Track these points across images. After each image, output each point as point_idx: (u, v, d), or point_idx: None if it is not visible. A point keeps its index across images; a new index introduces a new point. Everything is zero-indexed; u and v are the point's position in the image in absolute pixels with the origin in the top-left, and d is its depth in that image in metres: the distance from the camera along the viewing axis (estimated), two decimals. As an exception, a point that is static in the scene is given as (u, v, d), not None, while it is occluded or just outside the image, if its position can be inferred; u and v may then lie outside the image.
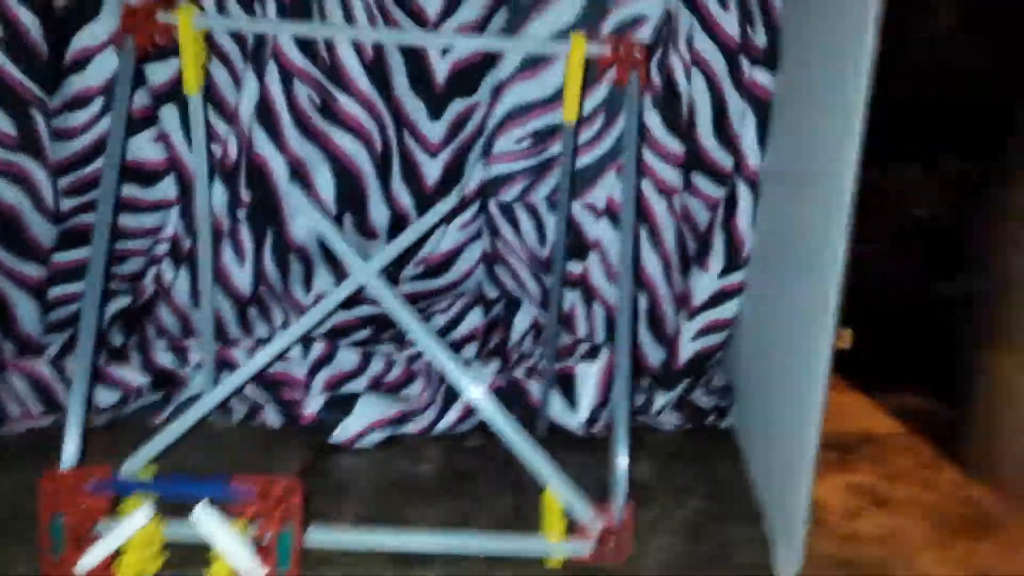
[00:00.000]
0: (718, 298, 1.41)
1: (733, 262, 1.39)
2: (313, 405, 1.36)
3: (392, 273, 1.46)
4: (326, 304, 1.09)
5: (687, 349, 1.43)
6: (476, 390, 1.03)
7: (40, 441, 1.29)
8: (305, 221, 1.36)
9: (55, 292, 1.40)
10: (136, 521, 0.89)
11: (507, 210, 1.46)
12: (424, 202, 1.44)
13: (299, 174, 1.40)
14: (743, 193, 1.36)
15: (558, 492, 1.00)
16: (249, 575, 0.89)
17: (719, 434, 1.45)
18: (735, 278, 1.40)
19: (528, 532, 1.09)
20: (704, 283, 1.40)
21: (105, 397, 1.35)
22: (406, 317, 1.03)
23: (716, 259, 1.40)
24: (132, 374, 1.38)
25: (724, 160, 1.41)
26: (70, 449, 0.98)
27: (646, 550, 1.08)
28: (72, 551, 0.90)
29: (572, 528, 1.02)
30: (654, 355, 1.49)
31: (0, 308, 1.36)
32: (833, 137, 0.97)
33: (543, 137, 1.42)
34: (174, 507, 0.95)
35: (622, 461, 1.01)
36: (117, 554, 0.92)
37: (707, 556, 1.06)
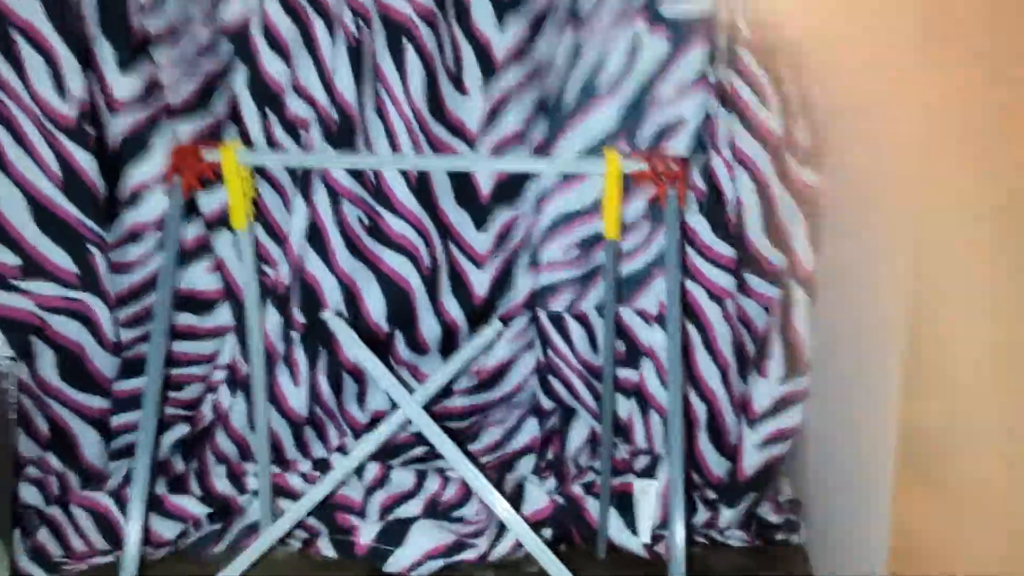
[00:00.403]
0: (780, 405, 1.36)
1: (793, 367, 1.34)
2: (368, 533, 1.35)
3: (445, 388, 1.46)
4: (376, 436, 1.08)
5: (752, 459, 1.37)
6: (523, 528, 1.00)
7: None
8: (350, 351, 1.37)
9: (117, 422, 1.44)
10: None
11: (557, 320, 1.44)
12: (474, 314, 1.44)
13: (350, 293, 1.42)
14: (798, 295, 1.31)
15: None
16: None
17: (790, 551, 1.37)
18: (797, 384, 1.35)
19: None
20: (765, 389, 1.35)
21: (165, 529, 1.37)
22: (451, 451, 1.02)
23: (775, 364, 1.34)
24: (192, 504, 1.39)
25: (777, 260, 1.37)
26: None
27: None
28: None
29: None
30: (718, 466, 1.43)
31: (64, 441, 1.40)
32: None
33: (590, 245, 1.41)
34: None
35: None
36: None
37: None
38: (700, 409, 1.41)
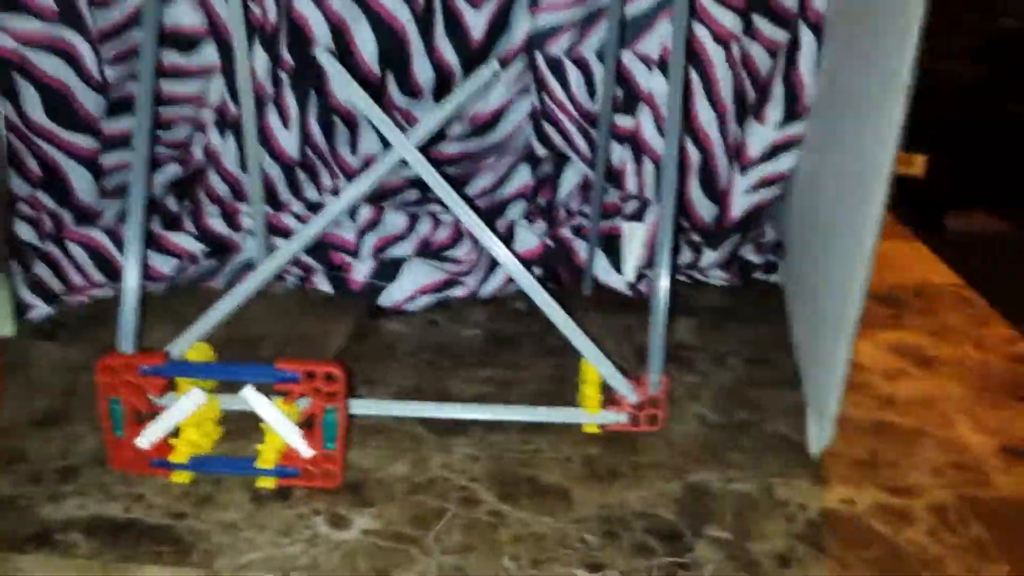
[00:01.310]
0: (774, 151, 1.36)
1: (792, 113, 1.32)
2: (362, 271, 1.39)
3: (438, 132, 1.44)
4: (369, 176, 1.08)
5: (740, 204, 1.40)
6: (514, 267, 1.03)
7: (102, 311, 1.36)
8: (342, 90, 1.34)
9: (107, 161, 1.44)
10: (190, 402, 0.94)
11: (555, 64, 1.40)
12: (469, 57, 1.40)
13: (340, 34, 1.37)
14: (806, 38, 1.28)
15: (594, 363, 1.02)
16: (298, 450, 0.94)
17: (767, 291, 1.43)
18: (793, 130, 1.34)
19: (567, 399, 1.12)
20: (761, 135, 1.35)
21: (162, 264, 1.41)
22: (446, 191, 1.03)
23: (774, 110, 1.33)
24: (187, 241, 1.42)
25: (789, 2, 1.31)
26: (125, 329, 1.03)
27: (682, 417, 1.09)
28: (132, 429, 0.96)
29: (610, 397, 1.04)
30: (705, 211, 1.46)
31: (57, 180, 1.40)
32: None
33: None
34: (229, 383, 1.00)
35: (659, 330, 1.01)
36: (176, 431, 0.98)
37: (740, 424, 1.08)
38: (694, 155, 1.42)
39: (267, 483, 0.95)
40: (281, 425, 0.93)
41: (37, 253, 1.38)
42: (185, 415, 0.95)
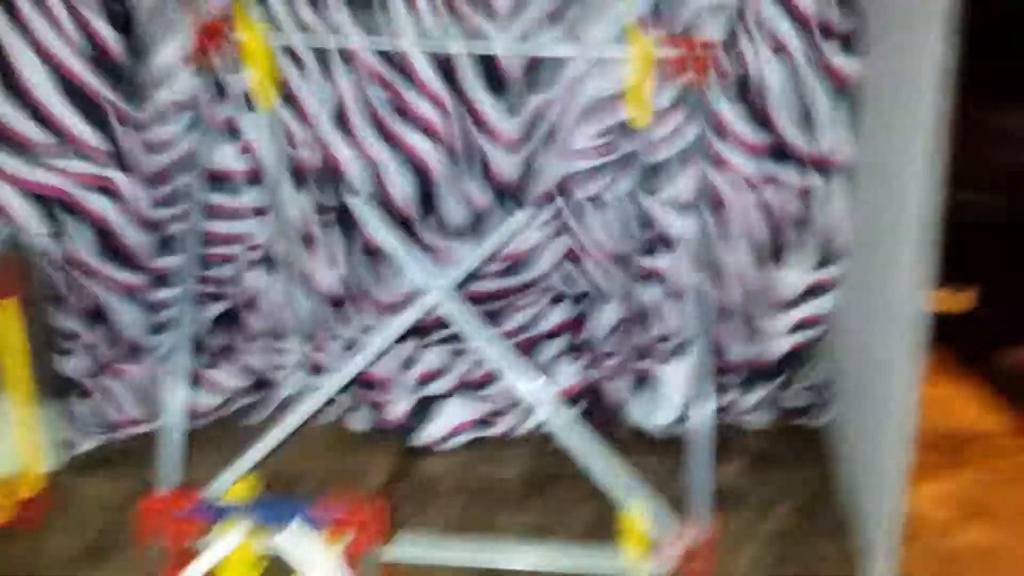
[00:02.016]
0: (812, 292, 1.36)
1: (827, 255, 1.34)
2: (400, 408, 1.38)
3: (474, 270, 1.46)
4: (406, 317, 1.10)
5: (780, 345, 1.39)
6: (549, 407, 1.03)
7: (144, 446, 1.35)
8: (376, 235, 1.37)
9: (156, 297, 1.46)
10: (228, 544, 0.92)
11: (585, 207, 1.43)
12: (501, 198, 1.42)
13: (376, 175, 1.40)
14: (835, 183, 1.30)
15: (637, 507, 0.99)
16: None
17: (812, 435, 1.40)
18: (830, 272, 1.35)
19: (610, 544, 1.09)
20: (797, 277, 1.35)
21: (206, 400, 1.41)
22: (477, 334, 1.03)
23: (809, 252, 1.34)
24: (230, 377, 1.43)
25: (812, 148, 1.34)
26: (167, 467, 1.02)
27: (730, 566, 1.06)
28: (172, 569, 0.94)
29: (654, 542, 1.01)
30: (742, 352, 1.45)
31: (103, 316, 1.42)
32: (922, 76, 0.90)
33: (621, 133, 1.38)
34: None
35: (703, 475, 0.98)
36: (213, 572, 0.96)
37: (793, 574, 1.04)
38: (728, 296, 1.42)
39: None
40: (322, 566, 0.88)
41: (82, 389, 1.40)
42: (220, 558, 0.93)
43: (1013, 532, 1.11)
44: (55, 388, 1.28)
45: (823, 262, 1.32)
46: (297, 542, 0.90)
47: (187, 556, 0.95)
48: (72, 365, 1.40)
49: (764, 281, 1.41)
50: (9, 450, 1.11)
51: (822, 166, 1.32)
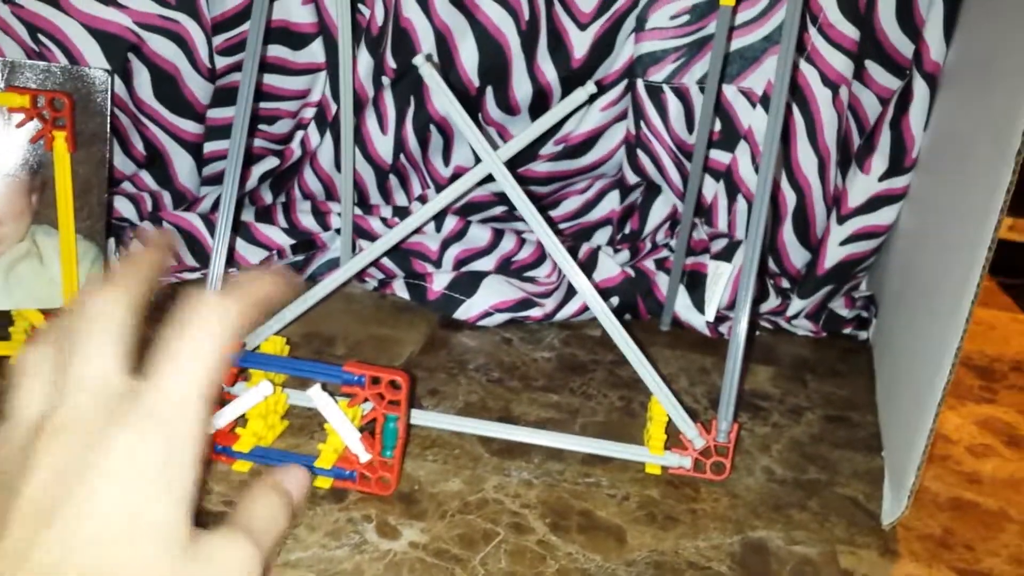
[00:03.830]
0: (876, 202, 1.30)
1: (898, 165, 1.27)
2: (441, 281, 1.39)
3: (530, 150, 1.44)
4: (457, 187, 1.08)
5: (834, 254, 1.35)
6: (591, 295, 1.01)
7: (187, 294, 1.39)
8: (438, 100, 1.34)
9: (209, 148, 1.48)
10: (258, 393, 0.95)
11: (655, 91, 1.38)
12: (569, 77, 1.39)
13: (444, 42, 1.37)
14: (919, 89, 1.22)
15: (663, 403, 0.99)
16: (356, 454, 0.94)
17: (855, 348, 1.37)
18: (898, 182, 1.28)
19: (633, 434, 1.10)
20: (862, 185, 1.30)
21: (251, 254, 1.43)
22: (528, 210, 1.02)
23: (880, 160, 1.28)
24: (277, 234, 1.45)
25: (905, 50, 1.27)
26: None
27: (750, 468, 1.05)
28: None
29: (676, 439, 1.01)
30: (797, 257, 1.41)
31: (159, 162, 1.45)
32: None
33: (702, 13, 1.32)
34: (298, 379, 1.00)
35: (733, 375, 0.97)
36: (242, 419, 0.99)
37: (811, 483, 1.03)
38: (790, 199, 1.37)
39: (323, 483, 0.96)
40: (343, 427, 0.93)
41: (134, 230, 1.43)
42: (252, 405, 0.96)
43: (1044, 464, 1.08)
44: (106, 227, 1.31)
45: (893, 171, 1.26)
46: (325, 400, 0.93)
47: (219, 400, 0.98)
48: (125, 206, 1.43)
49: (831, 186, 1.35)
50: (52, 284, 1.14)
51: (909, 69, 1.24)
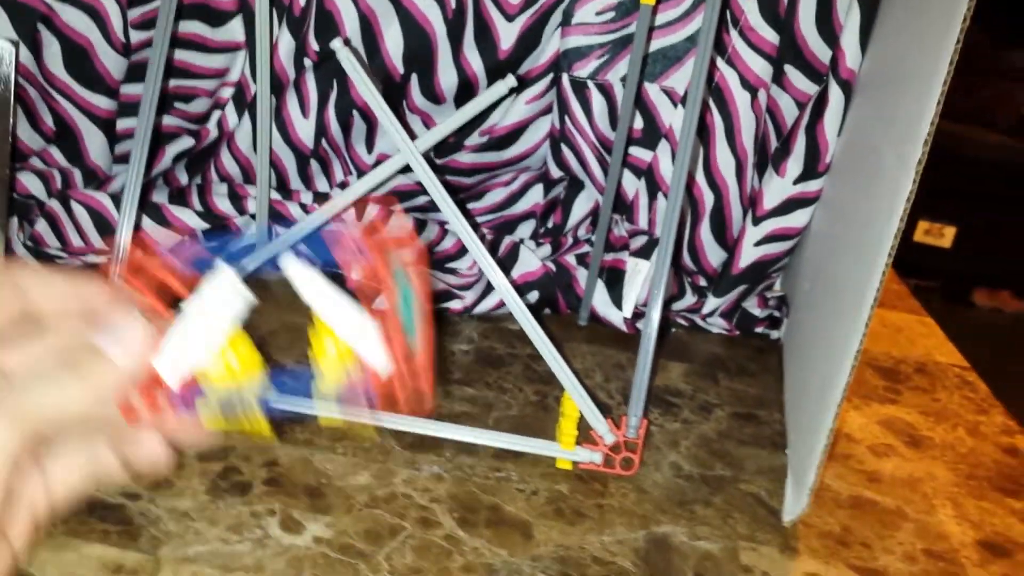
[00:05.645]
0: (790, 205, 1.33)
1: (812, 169, 1.30)
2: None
3: (454, 141, 1.43)
4: (377, 174, 1.07)
5: (749, 254, 1.37)
6: (510, 289, 1.01)
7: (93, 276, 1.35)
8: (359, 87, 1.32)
9: (122, 125, 1.43)
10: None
11: (580, 87, 1.38)
12: (495, 68, 1.38)
13: (369, 27, 1.35)
14: (835, 95, 1.25)
15: (574, 398, 0.99)
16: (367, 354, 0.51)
17: (767, 347, 1.40)
18: (812, 186, 1.31)
19: (546, 430, 1.10)
20: (778, 187, 1.32)
21: (163, 237, 1.39)
22: (445, 202, 1.01)
23: (795, 164, 1.30)
24: (190, 217, 1.41)
25: (823, 56, 1.29)
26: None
27: (658, 464, 1.07)
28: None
29: (587, 434, 1.02)
30: (714, 256, 1.44)
31: (69, 137, 1.39)
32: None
33: (627, 11, 1.32)
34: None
35: (643, 372, 0.98)
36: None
37: (716, 481, 1.05)
38: (708, 198, 1.39)
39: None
40: (339, 310, 0.52)
41: (40, 209, 1.37)
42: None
43: (940, 463, 1.12)
44: (7, 204, 1.25)
45: (807, 175, 1.29)
46: (300, 275, 0.50)
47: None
48: (33, 183, 1.37)
49: (747, 187, 1.38)
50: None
51: (826, 75, 1.27)
